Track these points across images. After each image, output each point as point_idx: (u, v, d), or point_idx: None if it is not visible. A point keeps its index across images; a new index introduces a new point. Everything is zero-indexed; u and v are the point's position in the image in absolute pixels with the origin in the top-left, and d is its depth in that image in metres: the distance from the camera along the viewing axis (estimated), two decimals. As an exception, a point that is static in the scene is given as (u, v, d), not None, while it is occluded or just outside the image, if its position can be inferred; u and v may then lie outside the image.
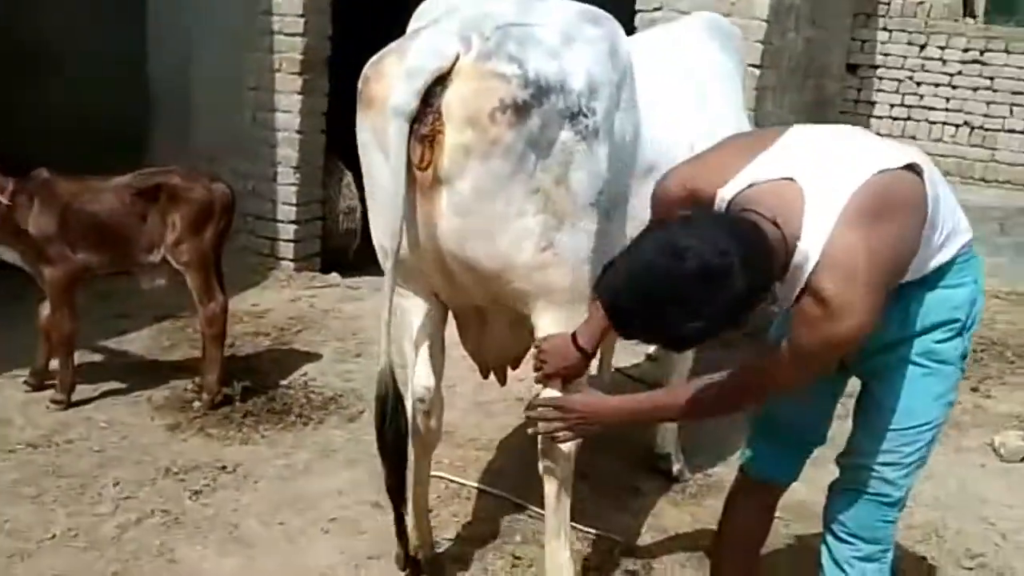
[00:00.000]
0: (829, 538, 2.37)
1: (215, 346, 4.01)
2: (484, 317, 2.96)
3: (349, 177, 6.12)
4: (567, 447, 2.70)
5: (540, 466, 2.78)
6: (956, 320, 2.19)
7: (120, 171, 3.96)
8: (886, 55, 8.61)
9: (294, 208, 5.82)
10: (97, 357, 4.47)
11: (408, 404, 2.80)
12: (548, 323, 2.68)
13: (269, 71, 5.68)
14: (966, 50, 8.21)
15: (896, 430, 2.26)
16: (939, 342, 2.20)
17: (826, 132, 2.25)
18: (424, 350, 2.85)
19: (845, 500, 2.33)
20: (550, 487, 2.77)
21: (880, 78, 8.63)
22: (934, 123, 8.33)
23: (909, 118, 8.46)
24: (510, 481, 3.57)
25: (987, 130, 8.20)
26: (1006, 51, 8.08)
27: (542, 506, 2.88)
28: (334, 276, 6.02)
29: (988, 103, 8.14)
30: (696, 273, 1.78)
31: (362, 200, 6.09)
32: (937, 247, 2.13)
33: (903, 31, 8.46)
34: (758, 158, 2.06)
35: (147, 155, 5.92)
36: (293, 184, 5.76)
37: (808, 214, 1.92)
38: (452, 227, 2.57)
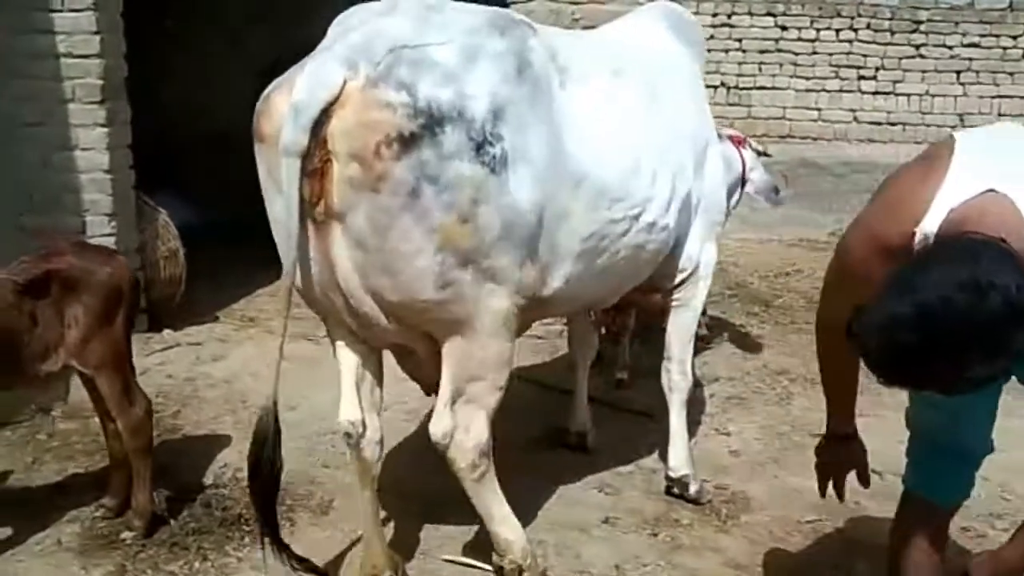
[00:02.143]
0: None
1: (142, 460, 3.21)
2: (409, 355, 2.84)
3: (164, 216, 5.24)
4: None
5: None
6: None
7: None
8: (643, 24, 8.91)
9: (114, 262, 4.84)
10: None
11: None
12: (455, 350, 2.61)
13: (58, 102, 4.65)
14: (715, 14, 8.64)
15: None
16: None
17: (992, 133, 2.18)
18: (350, 385, 2.81)
19: None
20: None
21: (640, 47, 8.92)
22: (694, 86, 8.74)
23: (671, 84, 8.83)
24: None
25: (741, 89, 8.71)
26: (750, 13, 8.60)
27: None
28: (168, 334, 5.15)
29: (739, 63, 8.65)
30: (1004, 311, 1.61)
31: (184, 241, 5.31)
32: None
33: None
34: (946, 182, 1.89)
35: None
36: (109, 235, 4.79)
37: None
38: (351, 261, 2.48)
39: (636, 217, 2.88)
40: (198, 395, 4.39)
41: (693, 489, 3.50)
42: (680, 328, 3.38)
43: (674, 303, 3.34)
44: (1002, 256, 1.67)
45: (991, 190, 1.83)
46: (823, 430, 2.51)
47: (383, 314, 2.58)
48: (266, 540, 2.69)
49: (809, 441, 3.97)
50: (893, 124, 8.72)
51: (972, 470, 2.43)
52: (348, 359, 2.81)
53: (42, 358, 2.97)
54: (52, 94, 4.65)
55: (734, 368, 4.71)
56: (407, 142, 2.32)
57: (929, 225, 1.87)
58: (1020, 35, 8.62)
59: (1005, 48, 8.61)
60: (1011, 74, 8.67)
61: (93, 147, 4.71)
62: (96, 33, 4.60)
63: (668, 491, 3.55)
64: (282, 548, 2.69)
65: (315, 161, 2.37)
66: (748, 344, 5.05)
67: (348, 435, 2.77)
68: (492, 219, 2.45)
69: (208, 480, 3.62)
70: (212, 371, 4.67)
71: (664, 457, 3.78)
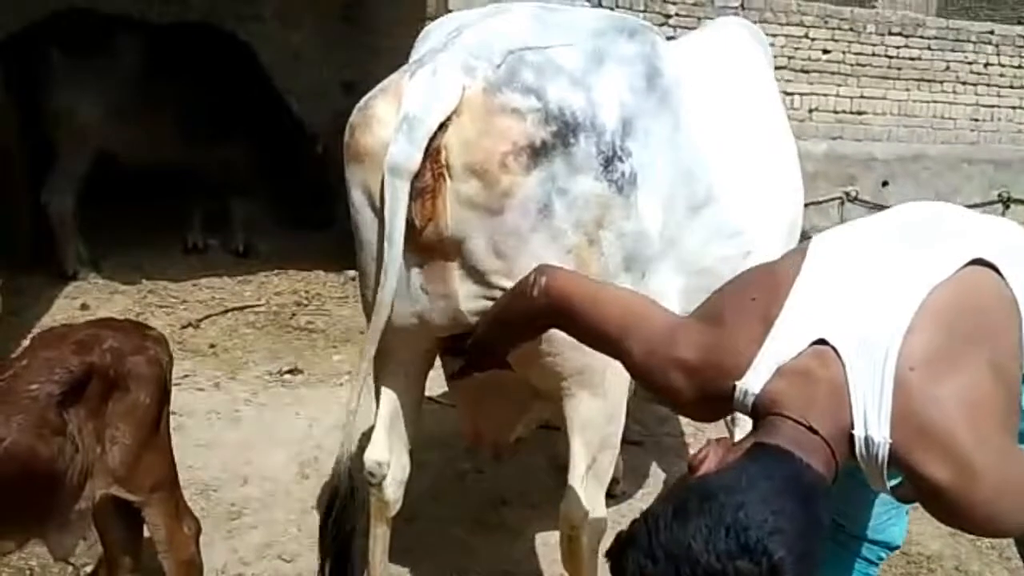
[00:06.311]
0: None
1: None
2: (484, 393, 2.54)
3: None
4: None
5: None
6: None
7: None
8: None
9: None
10: None
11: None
12: (586, 410, 2.32)
13: None
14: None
15: None
16: None
17: (847, 248, 1.69)
18: (385, 424, 2.47)
19: None
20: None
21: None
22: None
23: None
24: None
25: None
26: None
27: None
28: None
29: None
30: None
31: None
32: None
33: None
34: (775, 327, 1.54)
35: None
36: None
37: (854, 386, 1.45)
38: (469, 294, 2.17)
39: (745, 255, 2.51)
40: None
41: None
42: None
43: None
44: (755, 486, 1.29)
45: (821, 340, 1.49)
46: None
47: None
48: None
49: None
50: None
51: None
52: (389, 394, 2.45)
53: (75, 495, 2.06)
54: None
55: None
56: (538, 152, 2.07)
57: (752, 384, 1.52)
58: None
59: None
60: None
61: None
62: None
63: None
64: None
65: (425, 178, 2.07)
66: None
67: (371, 474, 2.45)
68: (615, 245, 2.20)
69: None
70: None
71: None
